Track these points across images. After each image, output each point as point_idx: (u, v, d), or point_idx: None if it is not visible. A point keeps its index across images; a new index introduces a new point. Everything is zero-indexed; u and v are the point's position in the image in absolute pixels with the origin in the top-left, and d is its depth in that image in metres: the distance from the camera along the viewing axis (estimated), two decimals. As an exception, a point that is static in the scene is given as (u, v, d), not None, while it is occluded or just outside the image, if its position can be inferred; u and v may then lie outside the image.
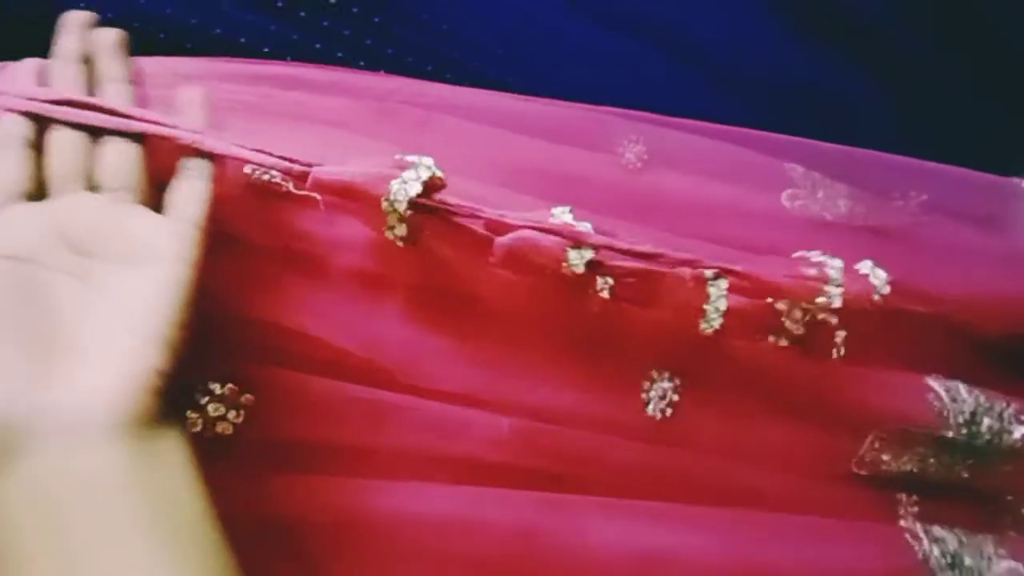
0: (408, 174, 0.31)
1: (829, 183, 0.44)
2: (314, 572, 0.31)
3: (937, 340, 0.40)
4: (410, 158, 0.32)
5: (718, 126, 0.45)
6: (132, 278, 0.27)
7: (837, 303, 0.34)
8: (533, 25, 0.47)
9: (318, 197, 0.32)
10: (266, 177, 0.33)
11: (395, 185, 0.31)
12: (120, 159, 0.30)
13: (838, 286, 0.34)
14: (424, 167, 0.32)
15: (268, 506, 0.31)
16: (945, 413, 0.37)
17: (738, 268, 0.34)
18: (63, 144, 0.30)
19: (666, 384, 0.37)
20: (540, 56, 0.47)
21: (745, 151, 0.44)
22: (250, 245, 0.33)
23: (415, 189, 0.31)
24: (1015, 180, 0.45)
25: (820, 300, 0.34)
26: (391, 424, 0.33)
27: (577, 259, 0.33)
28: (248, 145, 0.32)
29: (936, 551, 0.38)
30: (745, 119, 0.46)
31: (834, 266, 0.35)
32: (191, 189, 0.30)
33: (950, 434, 0.37)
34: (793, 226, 0.42)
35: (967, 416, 0.38)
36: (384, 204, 0.31)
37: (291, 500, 0.31)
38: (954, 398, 0.38)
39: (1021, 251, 0.44)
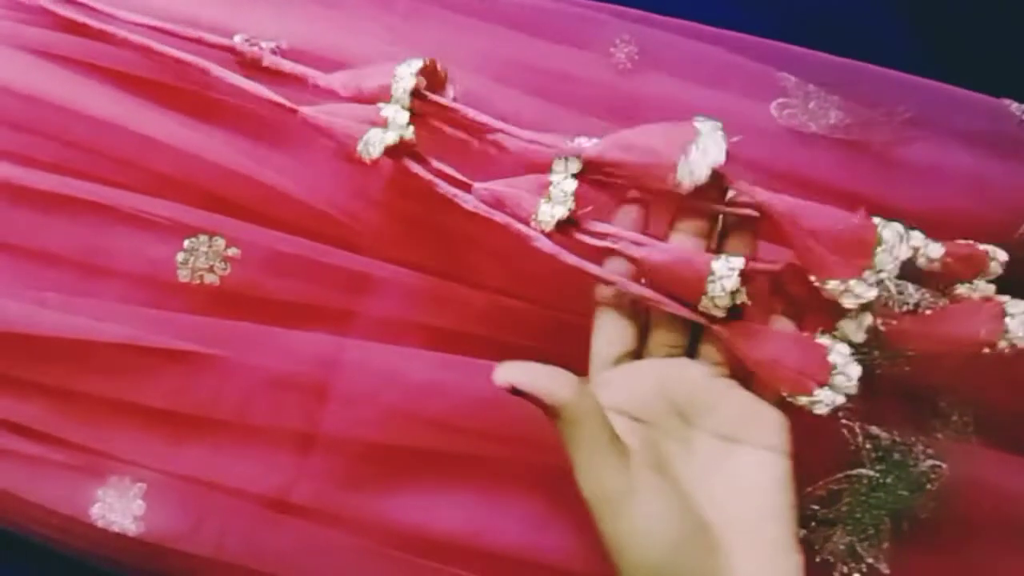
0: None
1: (823, 94, 0.45)
2: (289, 416, 0.35)
3: None
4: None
5: (715, 30, 0.45)
6: (739, 458, 0.28)
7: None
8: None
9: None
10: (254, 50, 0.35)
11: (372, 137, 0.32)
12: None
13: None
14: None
15: (249, 354, 0.34)
16: (886, 295, 0.39)
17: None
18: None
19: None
20: None
21: (739, 58, 0.45)
22: (241, 108, 0.35)
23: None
24: (1005, 101, 0.45)
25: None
26: (370, 290, 0.36)
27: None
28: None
29: (868, 445, 0.41)
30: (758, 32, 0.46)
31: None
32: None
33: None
34: (776, 137, 0.42)
35: (911, 307, 0.40)
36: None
37: (269, 349, 0.35)
38: (900, 291, 0.40)
39: (1002, 171, 0.44)
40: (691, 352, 0.32)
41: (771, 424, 0.30)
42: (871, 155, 0.43)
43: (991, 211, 0.43)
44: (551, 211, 0.31)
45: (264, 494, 0.36)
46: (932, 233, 0.43)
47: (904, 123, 0.45)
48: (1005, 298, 0.33)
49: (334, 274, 0.36)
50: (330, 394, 0.36)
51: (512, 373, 0.26)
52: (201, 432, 0.36)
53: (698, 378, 0.30)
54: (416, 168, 0.33)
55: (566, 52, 0.41)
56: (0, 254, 0.35)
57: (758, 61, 0.45)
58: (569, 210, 0.31)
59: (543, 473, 0.38)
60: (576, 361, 0.38)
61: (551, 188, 0.31)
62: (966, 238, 0.42)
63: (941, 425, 0.43)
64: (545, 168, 0.32)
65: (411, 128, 0.32)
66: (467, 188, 0.33)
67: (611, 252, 0.32)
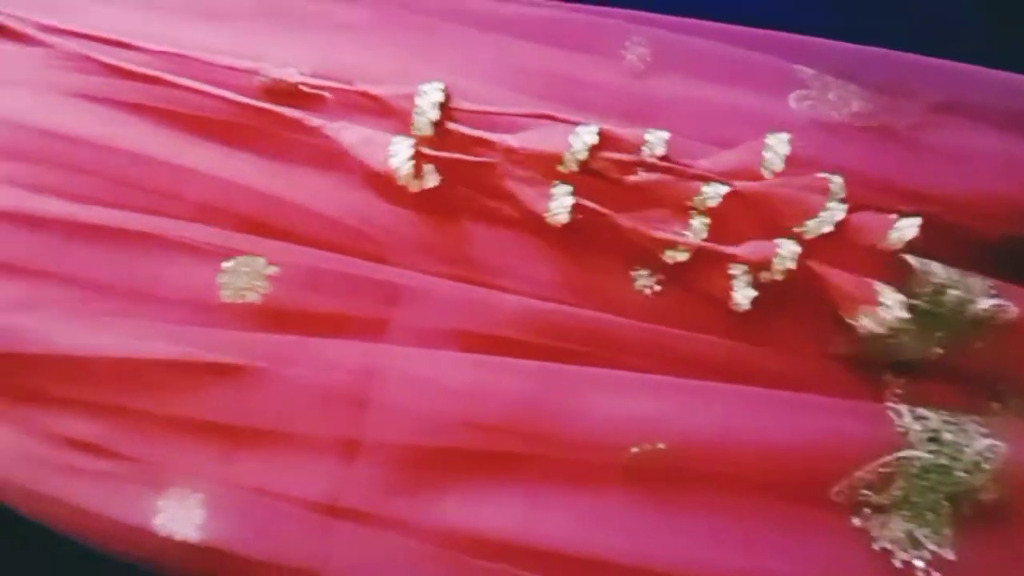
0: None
1: (841, 84, 0.45)
2: (333, 424, 0.36)
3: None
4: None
5: (727, 27, 0.46)
6: None
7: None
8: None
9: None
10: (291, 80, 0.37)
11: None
12: None
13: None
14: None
15: (291, 366, 0.36)
16: (913, 280, 0.39)
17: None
18: None
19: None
20: None
21: (753, 54, 0.45)
22: (269, 133, 0.37)
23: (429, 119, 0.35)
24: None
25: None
26: (403, 300, 0.37)
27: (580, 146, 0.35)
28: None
29: (918, 426, 0.40)
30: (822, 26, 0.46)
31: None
32: None
33: (915, 301, 0.39)
34: (795, 127, 0.42)
35: (935, 286, 0.39)
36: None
37: (311, 361, 0.36)
38: (926, 270, 0.39)
39: None
40: None
41: None
42: (899, 141, 0.43)
43: (1019, 189, 0.42)
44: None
45: (315, 500, 0.37)
46: (962, 216, 0.42)
47: (931, 107, 0.44)
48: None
49: (368, 286, 0.38)
50: (371, 401, 0.37)
51: None
52: (251, 442, 0.37)
53: None
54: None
55: (578, 58, 0.42)
56: (58, 285, 0.37)
57: (772, 54, 0.45)
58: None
59: (584, 470, 0.38)
60: (601, 359, 0.39)
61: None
62: (997, 220, 0.42)
63: (1000, 408, 0.42)
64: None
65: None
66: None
67: None
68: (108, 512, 0.37)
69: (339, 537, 0.37)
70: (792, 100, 0.44)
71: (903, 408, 0.41)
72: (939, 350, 0.41)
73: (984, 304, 0.40)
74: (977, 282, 0.41)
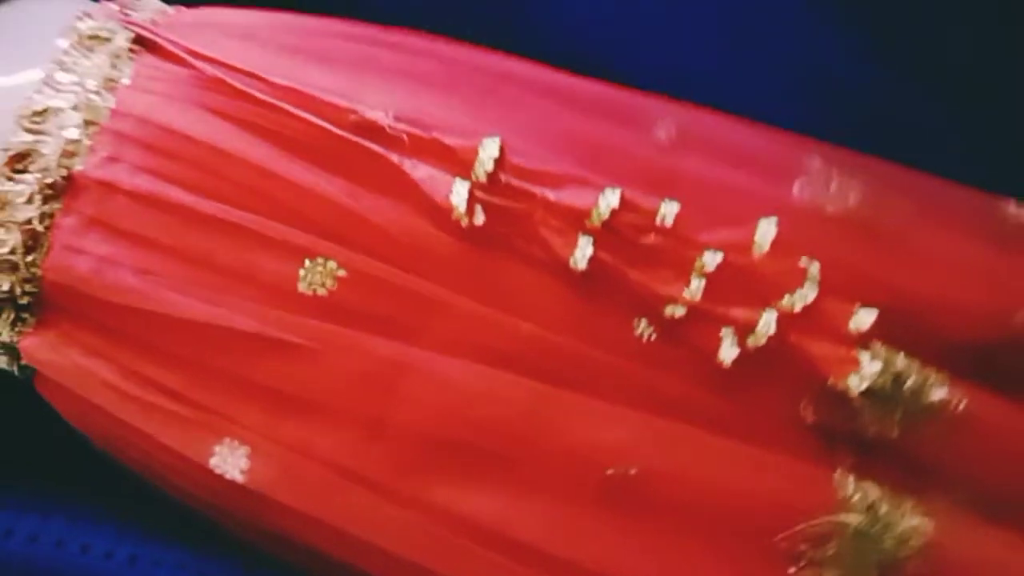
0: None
1: (844, 179, 0.50)
2: (366, 404, 0.44)
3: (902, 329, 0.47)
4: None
5: (750, 121, 0.52)
6: None
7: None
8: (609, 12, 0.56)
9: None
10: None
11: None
12: None
13: None
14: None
15: (340, 352, 0.44)
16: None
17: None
18: None
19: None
20: (612, 36, 0.56)
21: (769, 143, 0.52)
22: (360, 165, 0.45)
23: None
24: (1005, 201, 0.50)
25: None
26: (438, 311, 0.45)
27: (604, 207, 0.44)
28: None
29: (859, 496, 0.46)
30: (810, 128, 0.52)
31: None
32: None
33: (877, 384, 0.44)
34: (793, 213, 0.48)
35: (894, 373, 0.45)
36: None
37: (356, 350, 0.44)
38: (889, 358, 0.45)
39: (1001, 264, 0.49)
40: None
41: None
42: (882, 238, 0.48)
43: (988, 300, 0.48)
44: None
45: (341, 465, 0.44)
46: (934, 317, 0.48)
47: (917, 213, 0.50)
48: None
49: (412, 297, 0.45)
50: (397, 391, 0.45)
51: None
52: (296, 410, 0.45)
53: None
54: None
55: (614, 129, 0.49)
56: (173, 258, 0.46)
57: (786, 147, 0.52)
58: None
59: (563, 480, 0.45)
60: (594, 388, 0.45)
61: None
62: (964, 323, 0.47)
63: (940, 495, 0.47)
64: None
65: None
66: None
67: None
68: (174, 445, 0.45)
69: (357, 501, 0.44)
70: (796, 187, 0.49)
71: (848, 478, 0.47)
72: (895, 432, 0.47)
73: (938, 395, 0.46)
74: (934, 374, 0.46)
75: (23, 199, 0.46)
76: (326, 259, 0.45)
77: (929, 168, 0.52)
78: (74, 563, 0.49)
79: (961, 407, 0.46)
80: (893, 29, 0.58)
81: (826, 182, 0.50)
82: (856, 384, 0.44)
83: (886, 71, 0.59)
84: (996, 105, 0.58)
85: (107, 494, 0.52)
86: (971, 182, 0.51)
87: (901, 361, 0.46)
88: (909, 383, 0.46)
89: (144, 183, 0.46)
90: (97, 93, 0.47)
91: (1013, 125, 0.57)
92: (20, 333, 0.48)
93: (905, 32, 0.58)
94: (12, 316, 0.48)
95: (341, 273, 0.45)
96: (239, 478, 0.44)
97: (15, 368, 0.49)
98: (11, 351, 0.48)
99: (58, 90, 0.48)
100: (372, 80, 0.48)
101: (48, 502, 0.52)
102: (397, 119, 0.46)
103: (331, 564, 0.46)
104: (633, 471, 0.45)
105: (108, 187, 0.46)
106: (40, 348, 0.47)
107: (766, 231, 0.45)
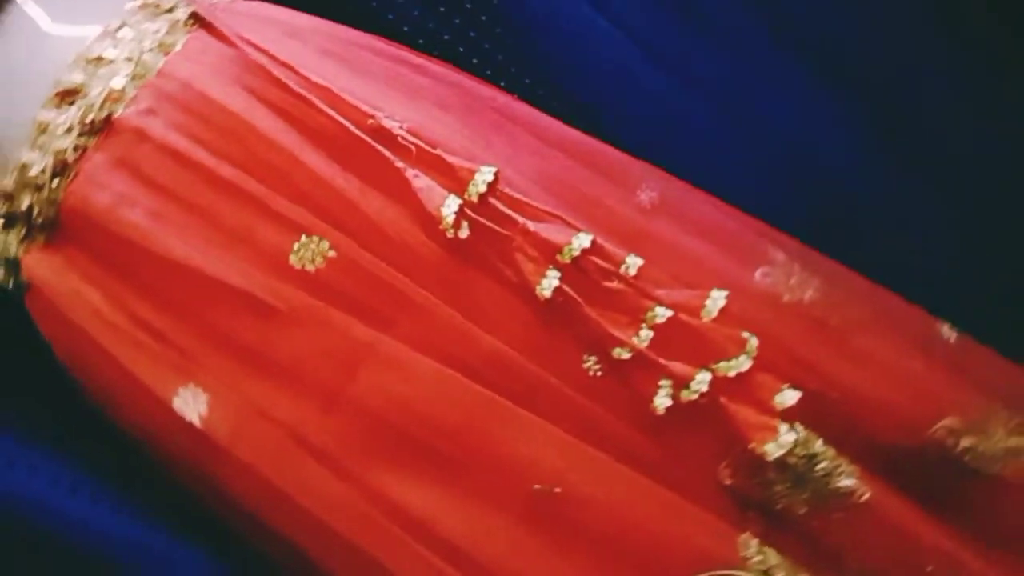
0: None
1: (807, 275, 0.54)
2: (326, 377, 0.48)
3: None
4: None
5: (727, 205, 0.57)
6: None
7: None
8: (616, 70, 0.61)
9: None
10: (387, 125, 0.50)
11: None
12: None
13: None
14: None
15: (314, 324, 0.48)
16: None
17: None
18: None
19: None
20: (615, 96, 0.61)
21: (743, 228, 0.56)
22: (370, 164, 0.50)
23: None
24: (940, 323, 0.54)
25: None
26: (409, 308, 0.49)
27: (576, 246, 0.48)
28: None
29: (758, 559, 0.49)
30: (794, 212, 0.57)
31: None
32: None
33: (791, 460, 0.48)
34: (748, 294, 0.52)
35: (810, 454, 0.49)
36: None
37: (329, 325, 0.48)
38: (807, 438, 0.49)
39: (928, 379, 0.52)
40: None
41: None
42: (826, 331, 0.52)
43: (912, 407, 0.51)
44: None
45: (292, 428, 0.48)
46: (859, 412, 0.51)
47: (863, 317, 0.53)
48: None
49: (390, 290, 0.49)
50: (358, 372, 0.48)
51: None
52: (264, 368, 0.48)
53: None
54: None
55: (600, 182, 0.53)
56: (186, 210, 0.50)
57: (756, 234, 0.56)
58: None
59: (494, 487, 0.48)
60: (538, 408, 0.48)
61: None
62: (885, 424, 0.51)
63: (831, 571, 0.50)
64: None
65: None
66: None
67: None
68: (143, 377, 0.48)
69: (304, 467, 0.47)
70: (758, 274, 0.53)
71: (753, 541, 0.50)
72: (803, 509, 0.51)
73: (846, 483, 0.49)
74: (846, 464, 0.50)
75: (63, 129, 0.50)
76: (320, 238, 0.49)
77: (894, 252, 0.55)
78: (20, 483, 0.51)
79: (864, 498, 0.49)
80: (891, 120, 0.61)
81: (787, 274, 0.54)
82: (772, 450, 0.48)
83: (877, 160, 0.62)
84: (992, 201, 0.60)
85: (63, 426, 0.54)
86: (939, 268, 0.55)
87: (819, 445, 0.50)
88: (821, 466, 0.49)
89: (174, 138, 0.50)
90: (151, 52, 0.52)
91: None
92: (26, 250, 0.52)
93: (904, 125, 0.61)
94: (23, 233, 0.52)
95: (331, 254, 0.49)
96: (196, 422, 0.48)
97: (10, 283, 0.52)
98: (13, 266, 0.52)
99: (117, 44, 0.53)
100: (394, 94, 0.53)
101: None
102: (409, 131, 0.51)
103: (265, 532, 0.49)
104: (558, 490, 0.48)
105: (141, 135, 0.50)
106: (41, 265, 0.51)
107: (716, 299, 0.50)
